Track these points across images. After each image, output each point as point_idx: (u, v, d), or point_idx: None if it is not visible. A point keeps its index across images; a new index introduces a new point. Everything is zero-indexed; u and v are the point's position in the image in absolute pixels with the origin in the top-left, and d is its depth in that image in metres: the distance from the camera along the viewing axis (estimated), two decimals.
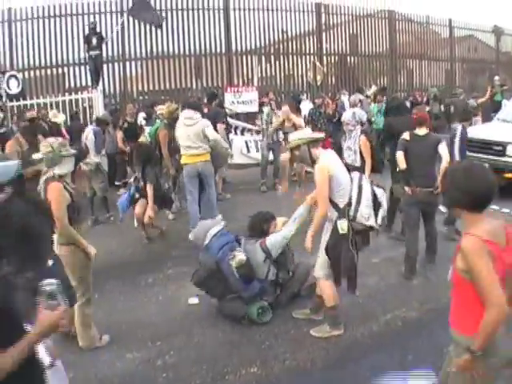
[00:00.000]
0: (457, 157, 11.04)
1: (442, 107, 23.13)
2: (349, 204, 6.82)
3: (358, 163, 10.09)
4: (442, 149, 9.45)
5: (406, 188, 9.20)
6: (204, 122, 11.68)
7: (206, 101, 17.22)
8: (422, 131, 9.70)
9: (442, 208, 11.69)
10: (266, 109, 17.71)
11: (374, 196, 6.97)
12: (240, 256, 7.68)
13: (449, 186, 4.10)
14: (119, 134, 15.65)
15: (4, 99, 17.26)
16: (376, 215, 6.96)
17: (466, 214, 4.02)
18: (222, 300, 7.84)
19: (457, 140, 11.21)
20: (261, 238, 7.94)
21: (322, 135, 7.65)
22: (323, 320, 7.37)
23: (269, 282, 7.93)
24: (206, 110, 14.76)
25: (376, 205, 6.97)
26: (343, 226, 6.76)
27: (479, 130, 14.14)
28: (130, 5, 22.78)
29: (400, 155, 9.44)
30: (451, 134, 11.66)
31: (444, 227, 10.87)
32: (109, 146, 15.66)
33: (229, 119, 17.69)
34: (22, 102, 19.16)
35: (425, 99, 23.79)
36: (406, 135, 9.78)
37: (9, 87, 17.94)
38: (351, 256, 6.85)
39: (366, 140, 9.66)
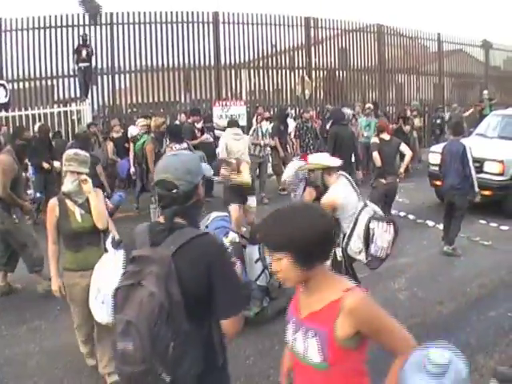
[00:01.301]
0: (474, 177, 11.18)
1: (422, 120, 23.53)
2: (343, 234, 7.05)
3: None
4: (404, 148, 12.05)
5: (383, 180, 11.37)
6: (247, 137, 14.22)
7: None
8: (386, 136, 12.08)
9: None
10: (264, 123, 17.79)
11: (367, 232, 7.01)
12: (233, 235, 7.80)
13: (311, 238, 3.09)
14: (109, 146, 15.66)
15: None
16: (366, 251, 7.05)
17: (322, 268, 3.20)
18: None
19: (470, 158, 11.16)
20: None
21: (337, 163, 7.79)
22: None
23: (257, 285, 7.99)
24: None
25: (368, 241, 7.03)
26: (339, 253, 7.07)
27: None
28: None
29: (376, 155, 11.76)
30: (450, 149, 11.54)
31: (445, 247, 11.07)
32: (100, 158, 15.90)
33: (216, 132, 17.73)
34: (10, 114, 19.13)
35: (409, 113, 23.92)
36: (375, 139, 12.24)
37: None
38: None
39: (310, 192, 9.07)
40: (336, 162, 7.81)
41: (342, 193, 7.18)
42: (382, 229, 7.02)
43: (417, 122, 22.87)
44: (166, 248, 3.28)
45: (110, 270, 5.23)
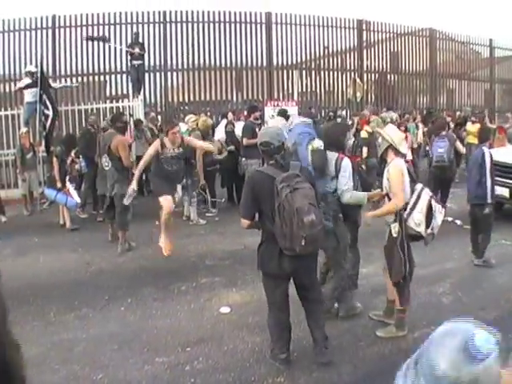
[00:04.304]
0: (489, 187, 10.51)
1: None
2: (404, 209, 7.24)
3: None
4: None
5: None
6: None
7: (245, 113, 17.39)
8: (369, 128, 14.66)
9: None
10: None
11: (430, 208, 7.28)
12: (319, 142, 7.76)
13: None
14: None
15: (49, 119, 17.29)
16: (427, 225, 7.24)
17: None
18: None
19: (488, 166, 10.49)
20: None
21: (404, 150, 8.19)
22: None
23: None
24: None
25: (430, 216, 7.27)
26: (395, 229, 7.17)
27: (502, 153, 13.81)
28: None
29: (365, 150, 14.00)
30: (472, 157, 11.30)
31: (475, 260, 10.74)
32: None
33: None
34: (63, 108, 19.42)
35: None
36: (363, 133, 14.51)
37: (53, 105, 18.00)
38: (399, 259, 7.19)
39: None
40: (405, 148, 8.27)
41: (403, 166, 7.56)
42: (438, 209, 7.41)
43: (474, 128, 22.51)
44: (294, 170, 6.16)
45: None
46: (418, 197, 7.29)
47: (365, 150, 13.97)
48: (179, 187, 13.11)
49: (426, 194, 7.38)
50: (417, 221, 7.17)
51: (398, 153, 7.59)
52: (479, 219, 10.66)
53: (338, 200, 7.73)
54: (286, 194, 5.86)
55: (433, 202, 7.34)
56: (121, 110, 19.87)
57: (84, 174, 15.41)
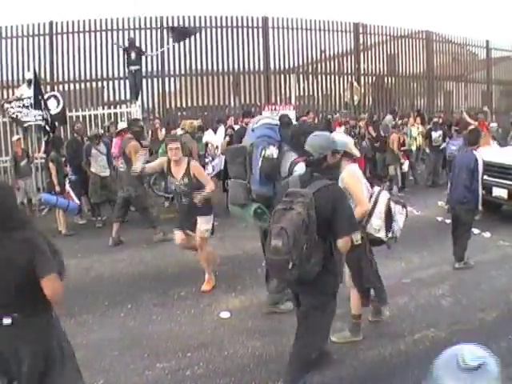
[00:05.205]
0: (480, 193, 10.57)
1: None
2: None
3: None
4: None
5: None
6: None
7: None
8: (340, 130, 15.24)
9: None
10: None
11: (389, 211, 7.16)
12: (272, 151, 7.73)
13: None
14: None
15: (49, 123, 17.12)
16: (388, 229, 7.16)
17: None
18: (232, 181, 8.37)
19: (480, 172, 10.49)
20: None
21: (357, 152, 7.79)
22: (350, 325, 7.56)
23: None
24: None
25: (389, 219, 7.17)
26: (357, 237, 6.91)
27: (498, 154, 13.93)
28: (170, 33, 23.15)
29: None
30: (461, 160, 10.81)
31: (456, 264, 10.64)
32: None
33: None
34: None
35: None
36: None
37: (48, 109, 17.75)
38: (370, 263, 7.24)
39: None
40: (357, 151, 7.86)
41: (358, 172, 7.46)
42: (398, 210, 7.29)
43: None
44: (311, 189, 5.35)
45: None
46: (376, 201, 7.17)
47: None
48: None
49: (384, 196, 7.26)
50: (376, 227, 7.08)
51: (351, 157, 7.43)
52: (461, 222, 10.68)
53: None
54: (277, 209, 5.34)
55: (391, 204, 7.21)
56: (119, 115, 19.88)
57: (71, 182, 15.38)
